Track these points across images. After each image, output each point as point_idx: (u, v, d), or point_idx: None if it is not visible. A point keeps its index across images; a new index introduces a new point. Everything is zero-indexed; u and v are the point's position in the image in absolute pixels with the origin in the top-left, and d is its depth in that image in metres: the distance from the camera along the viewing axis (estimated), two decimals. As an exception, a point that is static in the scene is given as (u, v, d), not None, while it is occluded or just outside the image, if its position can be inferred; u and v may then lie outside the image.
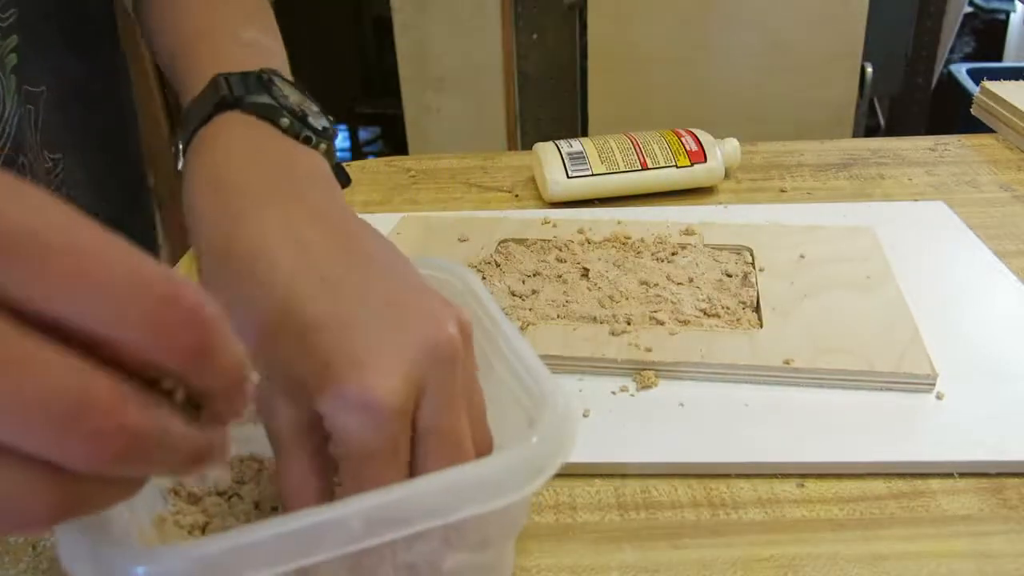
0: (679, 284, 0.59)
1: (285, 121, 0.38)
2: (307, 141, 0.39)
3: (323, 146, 0.40)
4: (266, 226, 0.33)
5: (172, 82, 0.46)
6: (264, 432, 0.33)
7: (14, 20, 0.46)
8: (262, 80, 0.39)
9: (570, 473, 0.46)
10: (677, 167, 0.75)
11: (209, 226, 0.34)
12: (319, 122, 0.40)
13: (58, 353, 0.19)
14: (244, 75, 0.39)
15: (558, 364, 0.53)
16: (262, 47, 0.45)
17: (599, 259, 0.63)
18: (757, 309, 0.57)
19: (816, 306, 0.56)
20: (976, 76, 1.65)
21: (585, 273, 0.61)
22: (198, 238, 0.35)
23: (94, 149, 0.55)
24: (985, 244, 0.66)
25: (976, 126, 0.92)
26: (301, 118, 0.39)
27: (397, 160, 0.88)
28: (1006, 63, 2.05)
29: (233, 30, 0.45)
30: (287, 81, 0.41)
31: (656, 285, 0.59)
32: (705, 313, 0.56)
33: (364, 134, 2.88)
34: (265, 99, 0.38)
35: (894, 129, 1.82)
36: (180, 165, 0.39)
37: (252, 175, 0.35)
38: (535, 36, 1.66)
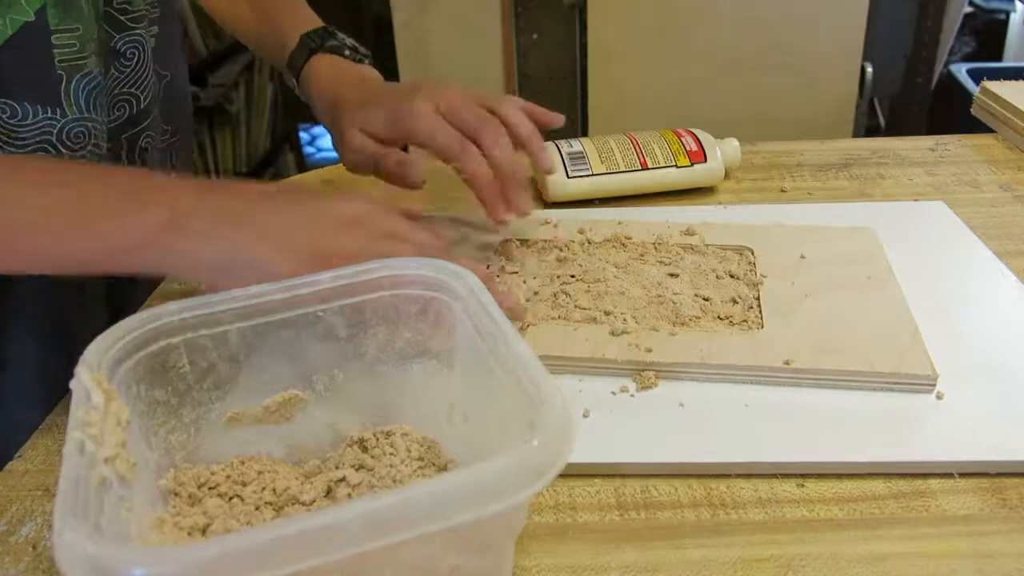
0: (680, 284, 0.59)
1: (347, 52, 0.68)
2: (359, 60, 0.69)
3: (367, 61, 0.69)
4: (349, 92, 0.65)
5: (259, 44, 0.76)
6: (264, 433, 0.32)
7: (157, 15, 0.63)
8: (327, 32, 0.69)
9: (570, 473, 0.46)
10: (677, 167, 0.75)
11: (326, 103, 0.66)
12: (361, 49, 0.70)
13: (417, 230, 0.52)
14: (317, 31, 0.69)
15: (558, 364, 0.53)
16: (303, 6, 0.74)
17: (600, 259, 0.63)
18: (758, 309, 0.57)
19: (817, 306, 0.56)
20: (976, 76, 1.65)
21: (585, 273, 0.61)
22: (323, 111, 0.66)
23: (190, 125, 0.77)
24: (985, 244, 0.66)
25: (976, 126, 0.92)
26: (353, 49, 0.69)
27: (397, 160, 0.88)
28: (1006, 63, 2.05)
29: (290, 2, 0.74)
30: (335, 30, 0.71)
31: (657, 285, 0.59)
32: (705, 313, 0.56)
33: (364, 134, 2.87)
34: (333, 43, 0.68)
35: (894, 129, 1.81)
36: (295, 85, 0.70)
37: (339, 79, 0.67)
38: (535, 36, 1.66)
